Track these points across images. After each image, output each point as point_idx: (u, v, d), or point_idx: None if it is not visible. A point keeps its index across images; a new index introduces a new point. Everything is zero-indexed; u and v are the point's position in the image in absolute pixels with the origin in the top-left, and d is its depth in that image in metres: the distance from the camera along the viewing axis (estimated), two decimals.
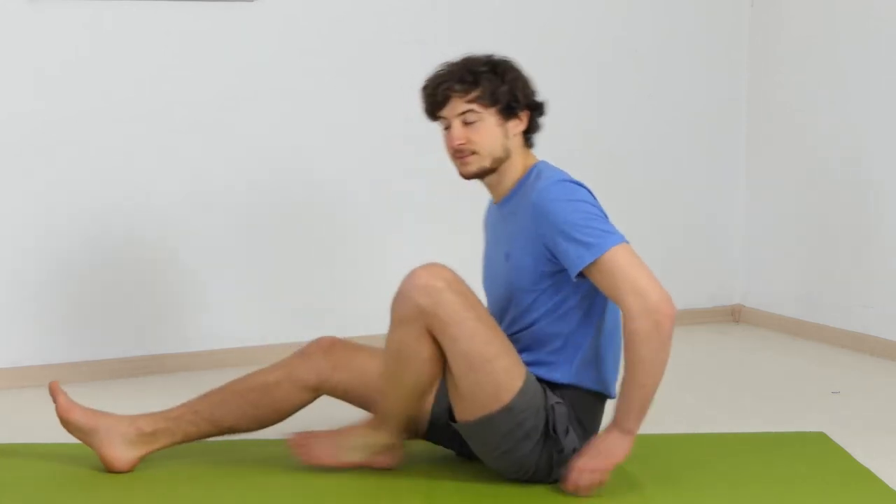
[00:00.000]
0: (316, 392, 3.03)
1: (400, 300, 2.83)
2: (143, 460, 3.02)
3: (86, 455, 3.05)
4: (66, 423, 2.99)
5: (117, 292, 4.13)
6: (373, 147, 4.44)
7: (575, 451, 2.87)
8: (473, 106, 2.89)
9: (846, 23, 4.59)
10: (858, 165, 4.56)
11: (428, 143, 4.49)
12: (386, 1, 4.41)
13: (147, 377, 4.10)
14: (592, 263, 2.76)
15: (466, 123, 2.90)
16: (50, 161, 3.99)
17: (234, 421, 3.01)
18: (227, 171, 4.24)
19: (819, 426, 3.51)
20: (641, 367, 2.75)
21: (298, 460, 3.00)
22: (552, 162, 2.99)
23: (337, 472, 3.00)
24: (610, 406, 2.94)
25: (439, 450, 3.13)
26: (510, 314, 2.97)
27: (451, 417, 2.94)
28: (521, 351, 2.93)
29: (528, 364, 2.90)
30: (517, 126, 2.92)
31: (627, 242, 2.79)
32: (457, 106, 2.90)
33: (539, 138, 3.01)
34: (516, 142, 2.94)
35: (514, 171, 2.95)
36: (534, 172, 2.93)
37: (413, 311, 2.79)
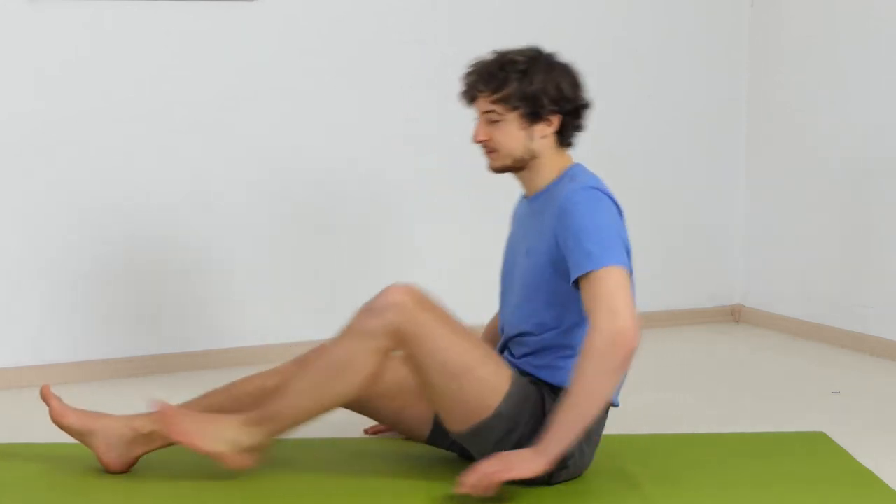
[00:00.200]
0: None
1: (368, 315, 2.80)
2: (140, 460, 3.01)
3: (85, 455, 3.05)
4: (62, 427, 2.99)
5: (117, 292, 4.12)
6: (373, 147, 4.44)
7: (573, 455, 2.86)
8: (496, 107, 2.89)
9: (846, 23, 4.59)
10: (859, 165, 4.56)
11: (428, 142, 4.52)
12: (386, 1, 4.41)
13: (148, 377, 4.10)
14: (586, 274, 2.75)
15: (490, 122, 2.91)
16: (50, 161, 3.99)
17: None
18: (227, 170, 4.23)
19: (819, 426, 3.51)
20: (583, 384, 2.69)
21: (164, 430, 2.91)
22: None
23: (336, 473, 3.00)
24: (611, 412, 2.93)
25: (439, 451, 3.13)
26: (521, 312, 2.97)
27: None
28: (526, 355, 2.94)
29: (535, 367, 2.91)
30: (545, 129, 2.90)
31: (628, 269, 2.77)
32: (482, 104, 2.92)
33: None
34: (545, 144, 2.92)
35: (546, 171, 2.94)
36: (567, 175, 2.92)
37: (380, 327, 2.77)
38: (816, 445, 3.34)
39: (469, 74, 2.94)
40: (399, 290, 2.80)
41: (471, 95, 2.94)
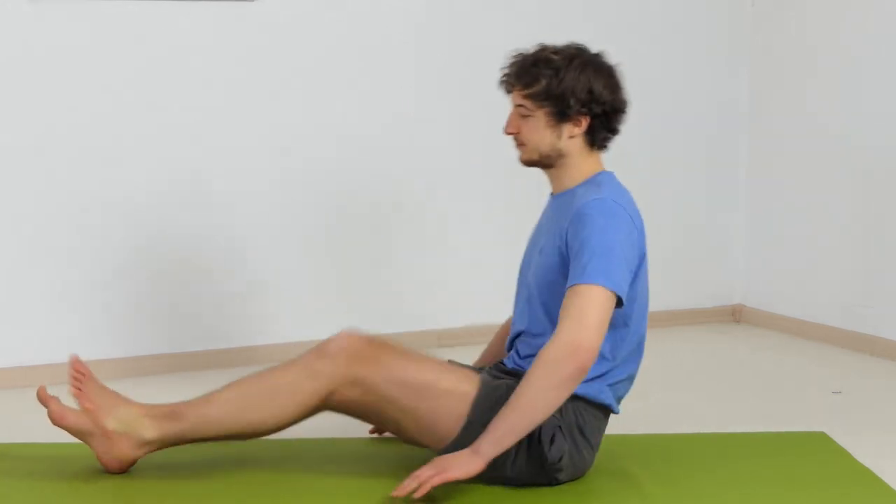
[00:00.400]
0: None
1: (320, 355, 2.83)
2: (140, 460, 3.00)
3: (85, 455, 3.05)
4: (61, 428, 2.99)
5: (119, 292, 4.13)
6: (376, 146, 4.44)
7: (561, 459, 2.84)
8: (526, 102, 2.90)
9: (849, 21, 4.59)
10: (860, 165, 4.56)
11: (430, 143, 4.52)
12: (387, 1, 4.41)
13: (149, 376, 4.11)
14: (571, 286, 2.75)
15: (522, 116, 2.92)
16: (52, 160, 3.99)
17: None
18: (228, 170, 4.24)
19: (820, 426, 3.51)
20: (529, 390, 2.69)
21: (73, 390, 2.92)
22: None
23: (336, 473, 3.00)
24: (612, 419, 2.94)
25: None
26: (528, 309, 2.98)
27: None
28: (529, 356, 2.93)
29: None
30: (573, 129, 2.89)
31: (618, 295, 2.75)
32: (515, 97, 2.93)
33: None
34: (574, 144, 2.91)
35: (574, 172, 2.94)
36: (593, 182, 2.91)
37: (329, 371, 2.79)
38: (817, 445, 3.34)
39: (505, 69, 2.94)
40: (350, 335, 2.83)
41: (507, 87, 2.95)
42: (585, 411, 2.89)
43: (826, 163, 4.69)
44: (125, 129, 4.07)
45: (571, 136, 2.90)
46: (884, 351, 4.42)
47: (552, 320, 2.89)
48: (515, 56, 2.94)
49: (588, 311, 2.70)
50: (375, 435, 3.33)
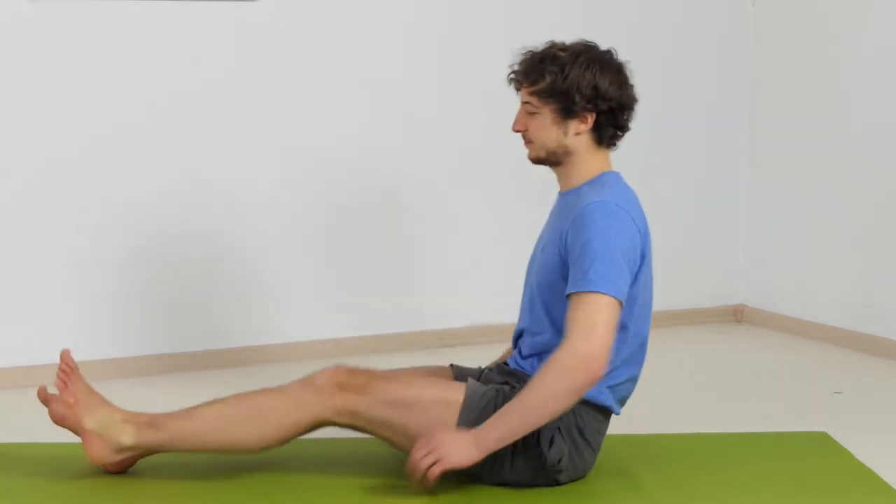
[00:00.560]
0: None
1: (309, 386, 2.85)
2: (140, 460, 3.00)
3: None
4: (63, 427, 2.99)
5: (125, 291, 4.12)
6: (376, 146, 4.44)
7: (561, 461, 2.85)
8: (532, 100, 2.89)
9: (850, 19, 4.58)
10: (861, 164, 4.55)
11: (439, 141, 4.52)
12: (390, 0, 4.41)
13: (151, 376, 4.10)
14: (575, 294, 2.75)
15: (529, 113, 2.91)
16: (53, 160, 3.99)
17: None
18: (229, 169, 4.23)
19: (821, 426, 3.50)
20: (538, 392, 2.70)
21: (59, 384, 2.93)
22: None
23: (337, 473, 3.00)
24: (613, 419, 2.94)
25: None
26: (529, 307, 2.98)
27: None
28: (530, 356, 2.94)
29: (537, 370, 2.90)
30: (580, 126, 2.88)
31: (620, 301, 2.76)
32: (523, 95, 2.93)
33: None
34: (580, 141, 2.90)
35: (581, 170, 2.93)
36: (598, 182, 2.90)
37: (315, 399, 2.82)
38: (818, 445, 3.34)
39: (513, 67, 2.94)
40: (336, 368, 2.87)
41: (515, 85, 2.95)
42: (585, 413, 2.89)
43: (827, 162, 4.69)
44: (124, 128, 4.07)
45: (578, 133, 2.89)
46: (885, 351, 4.42)
47: (552, 320, 2.89)
48: (524, 53, 2.93)
49: (597, 320, 2.71)
50: None
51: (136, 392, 3.76)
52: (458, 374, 3.09)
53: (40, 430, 3.24)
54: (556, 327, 2.89)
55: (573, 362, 2.69)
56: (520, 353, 3.01)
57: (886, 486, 2.99)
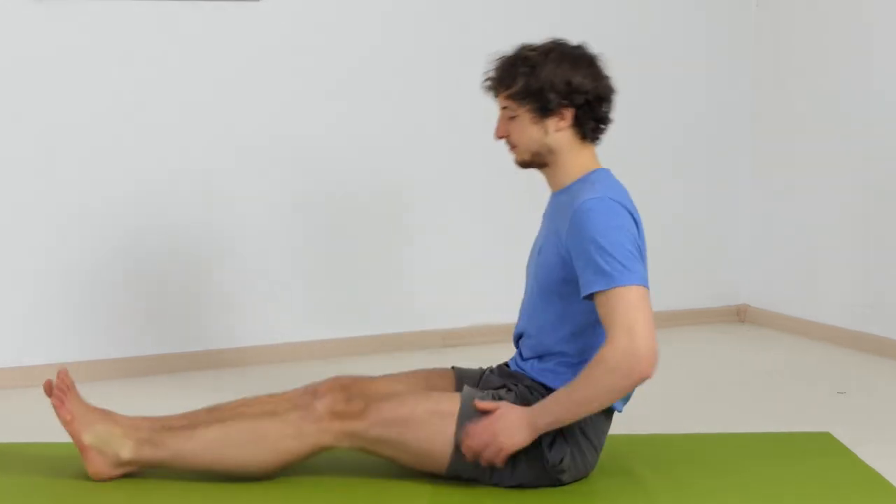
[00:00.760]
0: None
1: (306, 416, 2.86)
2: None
3: None
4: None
5: (123, 291, 4.12)
6: (382, 147, 4.43)
7: (562, 461, 2.84)
8: (509, 104, 2.89)
9: (854, 21, 4.58)
10: (865, 164, 4.54)
11: (439, 140, 4.51)
12: (386, 1, 4.40)
13: (150, 376, 4.10)
14: (601, 292, 2.73)
15: (508, 118, 2.91)
16: (54, 160, 3.98)
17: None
18: (234, 170, 4.23)
19: (825, 426, 3.49)
20: (590, 388, 2.71)
21: (55, 402, 2.92)
22: None
23: (337, 473, 2.99)
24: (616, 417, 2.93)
25: None
26: (528, 310, 2.97)
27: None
28: (531, 358, 2.93)
29: (539, 371, 2.90)
30: (559, 123, 2.86)
31: (646, 286, 2.75)
32: (500, 101, 2.92)
33: None
34: (562, 138, 2.88)
35: (569, 168, 2.91)
36: (589, 179, 2.89)
37: (315, 428, 2.84)
38: (822, 446, 3.33)
39: (486, 74, 2.93)
40: (335, 397, 2.87)
41: (491, 92, 2.94)
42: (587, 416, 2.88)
43: (831, 162, 4.68)
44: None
45: (558, 130, 2.88)
46: (889, 351, 4.41)
47: (551, 322, 2.88)
48: (495, 61, 2.93)
49: (633, 314, 2.69)
50: None
51: (123, 393, 3.76)
52: (460, 376, 3.09)
53: (40, 430, 3.24)
54: (555, 329, 2.88)
55: (623, 363, 2.68)
56: (521, 354, 3.00)
57: (890, 486, 2.99)
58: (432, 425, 2.83)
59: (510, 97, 2.87)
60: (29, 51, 3.92)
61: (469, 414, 2.82)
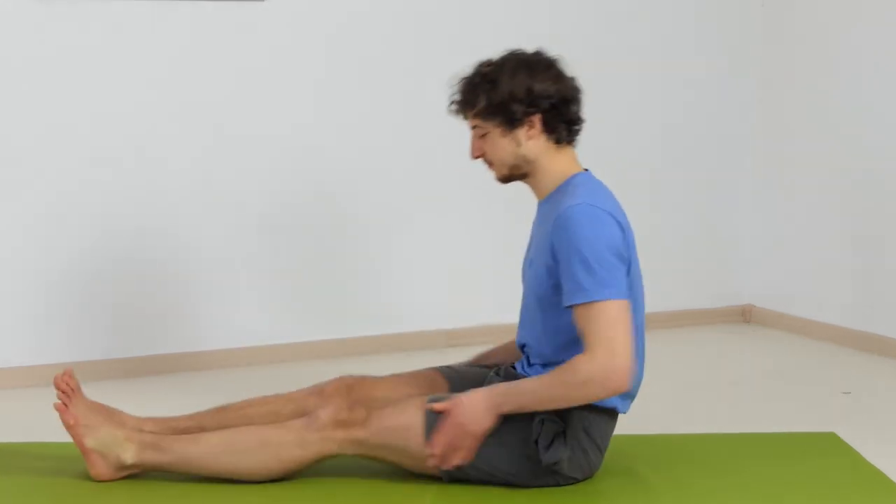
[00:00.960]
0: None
1: (311, 426, 2.87)
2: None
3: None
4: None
5: (121, 292, 4.12)
6: (385, 147, 4.43)
7: (557, 463, 2.84)
8: (477, 122, 2.88)
9: (860, 21, 4.57)
10: (868, 164, 4.53)
11: (438, 143, 4.50)
12: (384, 2, 4.39)
13: (147, 377, 4.09)
14: (581, 304, 2.73)
15: (480, 136, 2.90)
16: (53, 161, 3.98)
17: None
18: (238, 170, 4.22)
19: (830, 426, 3.49)
20: (562, 391, 2.74)
21: (59, 406, 2.93)
22: None
23: (338, 473, 2.99)
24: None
25: None
26: (525, 320, 2.98)
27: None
28: (534, 366, 2.93)
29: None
30: (529, 131, 2.85)
31: (626, 300, 2.74)
32: (469, 121, 2.92)
33: None
34: (537, 146, 2.87)
35: (549, 175, 2.90)
36: (571, 184, 2.87)
37: (319, 438, 2.86)
38: (827, 446, 3.32)
39: (451, 97, 2.93)
40: (338, 408, 2.87)
41: (459, 115, 2.94)
42: (591, 415, 2.87)
43: (835, 162, 4.67)
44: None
45: (530, 139, 2.86)
46: (894, 351, 4.39)
47: (549, 334, 2.88)
48: (457, 83, 2.92)
49: (613, 329, 2.70)
50: None
51: (118, 394, 3.76)
52: (450, 377, 3.08)
53: (41, 430, 3.23)
54: (553, 338, 2.88)
55: (600, 376, 2.70)
56: (527, 360, 3.00)
57: (895, 486, 2.97)
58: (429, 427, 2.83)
59: (477, 116, 2.87)
60: (29, 51, 3.91)
61: (432, 422, 2.83)
